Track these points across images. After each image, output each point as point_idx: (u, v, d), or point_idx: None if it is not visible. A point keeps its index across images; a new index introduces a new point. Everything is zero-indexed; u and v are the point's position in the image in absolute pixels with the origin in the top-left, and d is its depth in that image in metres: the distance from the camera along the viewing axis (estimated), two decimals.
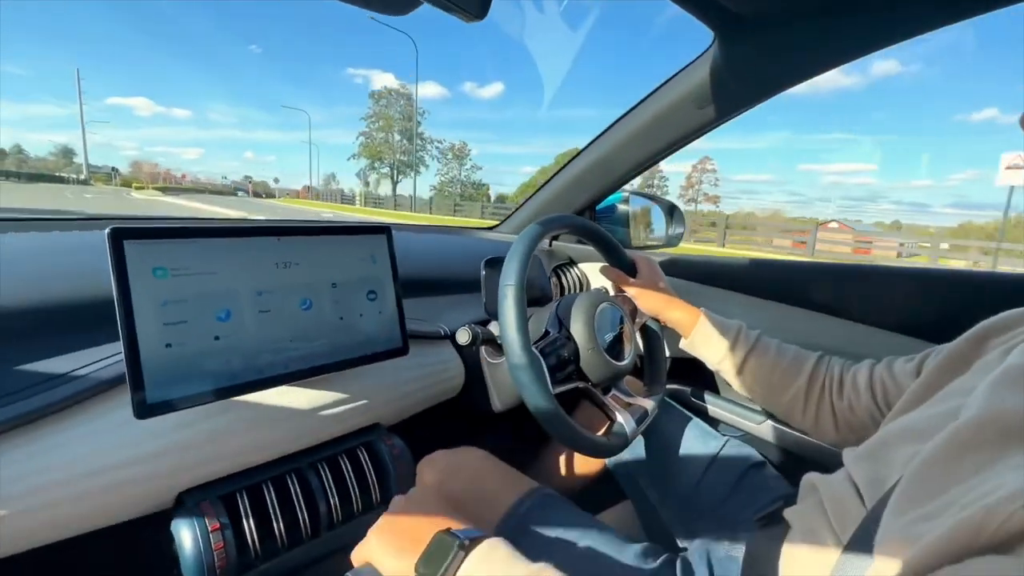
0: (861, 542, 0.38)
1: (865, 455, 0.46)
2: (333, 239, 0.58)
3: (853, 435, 0.59)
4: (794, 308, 0.84)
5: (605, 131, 0.94)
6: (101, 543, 0.47)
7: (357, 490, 0.58)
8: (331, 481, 0.56)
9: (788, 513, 0.50)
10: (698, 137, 0.85)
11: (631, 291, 0.74)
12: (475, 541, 0.37)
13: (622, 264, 0.76)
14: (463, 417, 0.81)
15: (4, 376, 0.43)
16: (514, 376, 0.54)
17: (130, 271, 0.43)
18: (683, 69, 0.78)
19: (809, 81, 0.72)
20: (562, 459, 0.86)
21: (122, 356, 0.42)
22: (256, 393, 0.51)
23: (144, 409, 0.43)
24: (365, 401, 0.63)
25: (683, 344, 0.72)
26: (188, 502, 0.48)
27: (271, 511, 0.51)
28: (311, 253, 0.56)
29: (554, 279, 1.02)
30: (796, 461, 0.77)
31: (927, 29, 0.61)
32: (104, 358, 0.47)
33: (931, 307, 0.71)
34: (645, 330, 0.77)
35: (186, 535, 0.45)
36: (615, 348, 0.66)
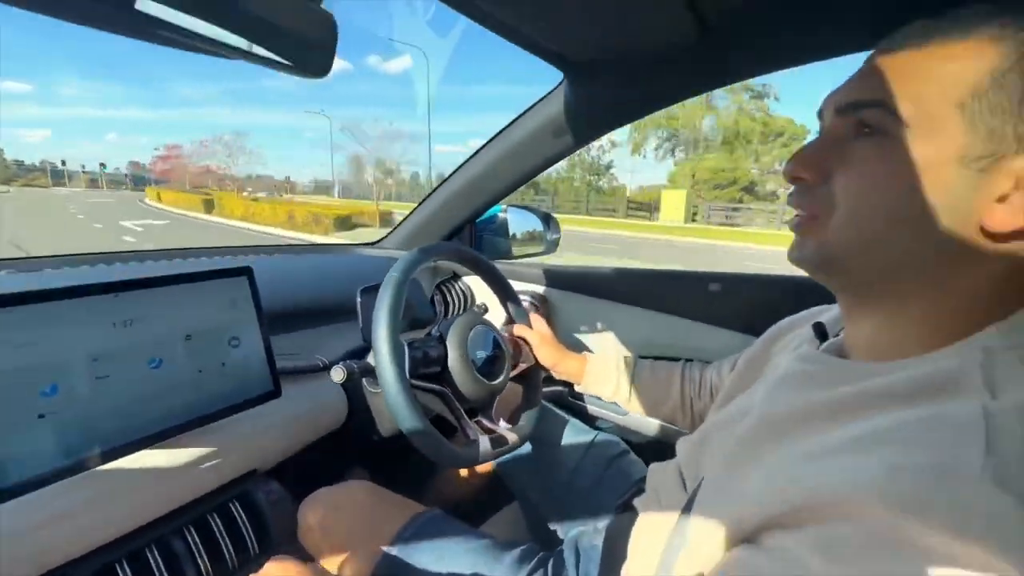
0: (680, 526, 0.45)
1: (690, 446, 0.55)
2: (184, 288, 0.55)
3: None
4: (655, 312, 0.95)
5: (479, 151, 0.98)
6: None
7: (231, 546, 0.56)
8: (199, 543, 0.53)
9: (637, 501, 0.59)
10: (560, 160, 0.92)
11: (533, 340, 0.79)
12: None
13: (516, 304, 0.82)
14: (349, 448, 0.81)
15: None
16: (376, 361, 0.56)
17: None
18: (541, 100, 0.84)
19: None
20: (451, 476, 0.90)
21: None
22: (106, 465, 0.47)
23: None
24: (238, 450, 0.60)
25: (578, 388, 0.80)
26: None
27: None
28: (158, 306, 0.52)
29: (438, 295, 1.04)
30: (657, 447, 0.88)
31: (752, 75, 0.71)
32: None
33: (762, 308, 0.85)
34: (527, 375, 0.80)
35: None
36: (487, 368, 0.70)
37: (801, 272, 0.40)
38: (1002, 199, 0.29)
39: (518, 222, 1.25)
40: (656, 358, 0.85)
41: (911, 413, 0.29)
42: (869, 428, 0.30)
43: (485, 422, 0.67)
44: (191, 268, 0.59)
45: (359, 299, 0.74)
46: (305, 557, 0.57)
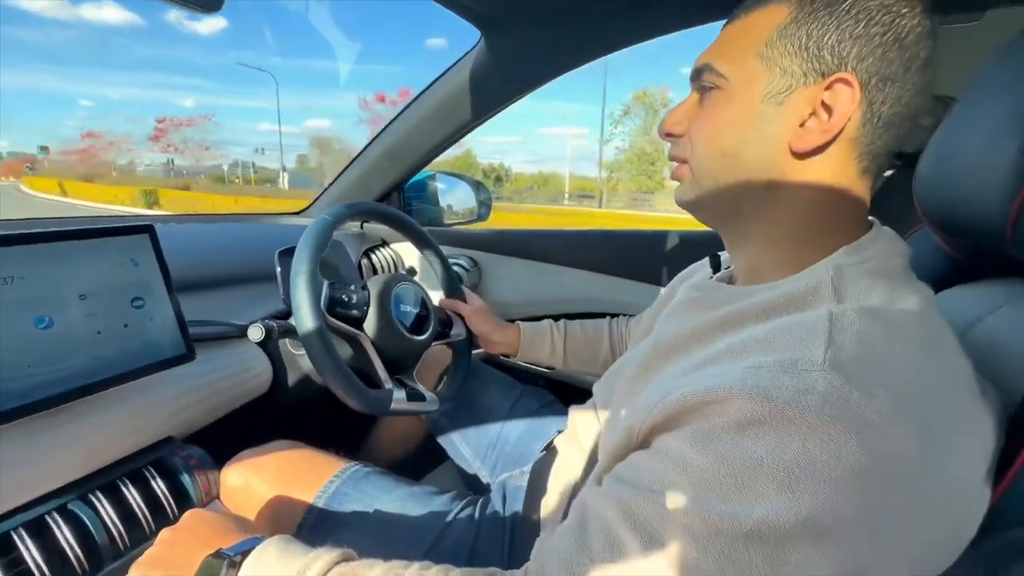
0: (594, 454, 0.50)
1: (602, 384, 0.60)
2: (73, 245, 0.51)
3: None
4: (584, 271, 1.00)
5: (398, 116, 0.97)
6: None
7: (147, 512, 0.54)
8: (110, 509, 0.51)
9: (557, 440, 0.63)
10: (480, 123, 0.93)
11: (466, 311, 0.80)
12: (247, 553, 0.37)
13: (448, 270, 0.82)
14: (278, 413, 0.79)
15: None
16: (291, 300, 0.56)
17: None
18: (460, 60, 0.84)
19: None
20: (384, 434, 0.91)
21: None
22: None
23: None
24: (150, 416, 0.58)
25: (516, 358, 0.81)
26: None
27: (29, 561, 0.45)
28: (43, 263, 0.48)
29: (365, 261, 1.03)
30: (576, 394, 0.93)
31: (663, 32, 0.75)
32: None
33: (678, 261, 0.92)
34: (454, 346, 0.81)
35: None
36: (411, 325, 0.71)
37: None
38: (802, 125, 0.36)
39: (448, 189, 1.25)
40: (586, 315, 0.90)
41: (775, 323, 0.33)
42: (739, 339, 0.34)
43: (404, 379, 0.68)
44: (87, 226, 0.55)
45: (278, 260, 0.72)
46: None
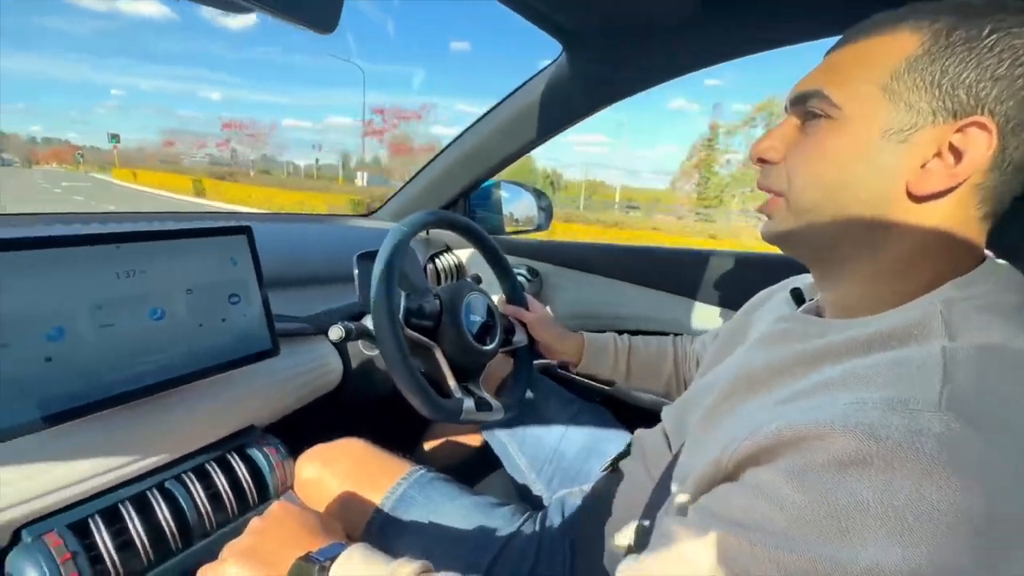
0: (666, 480, 0.48)
1: (675, 410, 0.58)
2: (185, 243, 0.55)
3: None
4: (645, 288, 0.98)
5: (473, 124, 0.99)
6: None
7: (231, 496, 0.57)
8: (200, 491, 0.55)
9: (622, 463, 0.62)
10: (553, 136, 0.93)
11: (530, 320, 0.79)
12: (334, 558, 0.38)
13: (512, 279, 0.82)
14: (346, 409, 0.83)
15: None
16: (372, 308, 0.58)
17: None
18: (540, 72, 0.85)
19: None
20: (441, 439, 0.92)
21: None
22: (107, 411, 0.49)
23: None
24: (236, 406, 0.62)
25: (576, 369, 0.79)
26: (27, 536, 0.45)
27: (133, 531, 0.49)
28: (160, 259, 0.53)
29: (430, 266, 1.06)
30: (637, 415, 0.91)
31: (755, 51, 0.73)
32: None
33: (741, 283, 0.88)
34: (519, 352, 0.81)
35: (29, 572, 0.43)
36: (479, 334, 0.72)
37: (774, 250, 0.44)
38: (924, 166, 0.33)
39: (511, 198, 1.26)
40: (645, 333, 0.88)
41: (877, 358, 0.31)
42: (837, 373, 0.32)
43: (471, 387, 0.69)
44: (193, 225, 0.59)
45: (356, 264, 0.75)
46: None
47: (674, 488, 0.42)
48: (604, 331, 1.03)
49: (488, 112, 0.98)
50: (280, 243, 0.98)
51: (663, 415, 0.61)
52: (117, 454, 0.50)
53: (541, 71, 0.85)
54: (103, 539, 0.47)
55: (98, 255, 0.48)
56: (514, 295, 0.83)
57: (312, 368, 0.72)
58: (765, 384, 0.38)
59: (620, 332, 0.98)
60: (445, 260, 1.08)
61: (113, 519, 0.49)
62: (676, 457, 0.48)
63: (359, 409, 0.84)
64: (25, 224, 0.72)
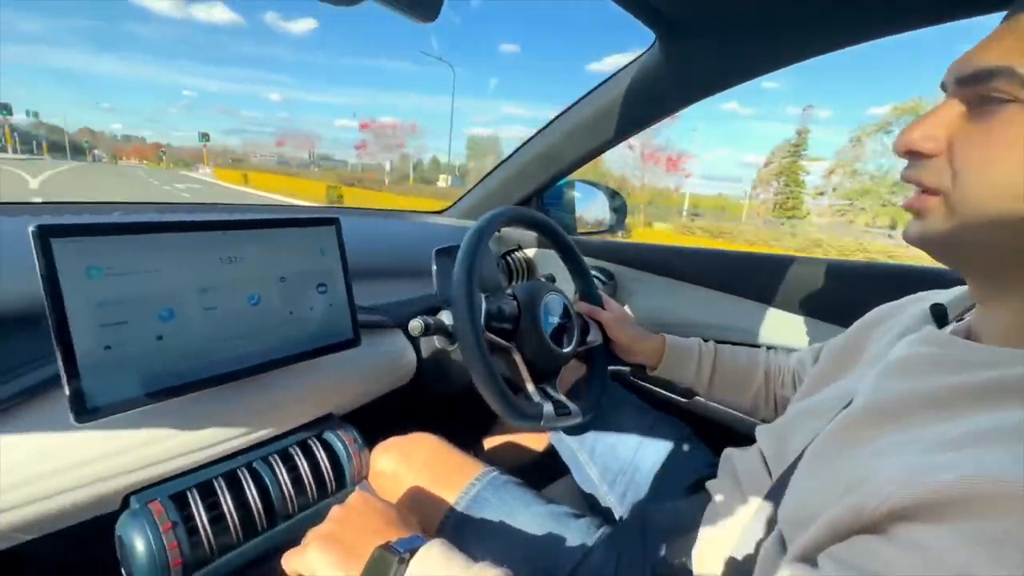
0: (767, 508, 0.44)
1: (773, 432, 0.53)
2: (280, 232, 0.57)
3: None
4: (728, 295, 0.91)
5: (552, 121, 0.96)
6: (42, 550, 0.46)
7: (312, 480, 0.59)
8: (284, 473, 0.57)
9: (709, 484, 0.57)
10: (640, 131, 0.89)
11: (605, 318, 0.76)
12: (414, 551, 0.37)
13: (588, 280, 0.79)
14: (415, 403, 0.83)
15: None
16: (453, 311, 0.57)
17: (61, 272, 0.41)
18: (627, 65, 0.81)
19: None
20: (509, 439, 0.91)
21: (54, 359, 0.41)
22: (205, 391, 0.51)
23: (84, 413, 0.42)
24: (318, 393, 0.64)
25: (654, 373, 0.75)
26: (135, 503, 0.47)
27: (224, 506, 0.51)
28: (258, 247, 0.55)
29: (502, 264, 1.05)
30: (719, 433, 0.85)
31: (876, 37, 0.66)
32: (41, 358, 0.45)
33: (837, 294, 0.80)
34: (594, 353, 0.78)
35: (136, 537, 0.45)
36: (556, 336, 0.69)
37: (888, 260, 0.38)
38: None
39: (584, 198, 1.23)
40: (729, 343, 0.82)
41: None
42: (1015, 418, 0.27)
43: (549, 390, 0.67)
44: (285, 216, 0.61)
45: (435, 259, 0.75)
46: None
47: (785, 525, 0.38)
48: None
49: (567, 109, 0.96)
50: (354, 236, 1.00)
51: (759, 436, 0.56)
52: (212, 432, 0.53)
53: (631, 63, 0.81)
54: (199, 512, 0.49)
55: (205, 241, 0.50)
56: (590, 294, 0.80)
57: (389, 360, 0.73)
58: (904, 419, 0.33)
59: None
60: (516, 258, 1.07)
61: (207, 494, 0.51)
62: (780, 486, 0.43)
63: (428, 404, 0.84)
64: (131, 211, 0.78)
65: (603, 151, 0.96)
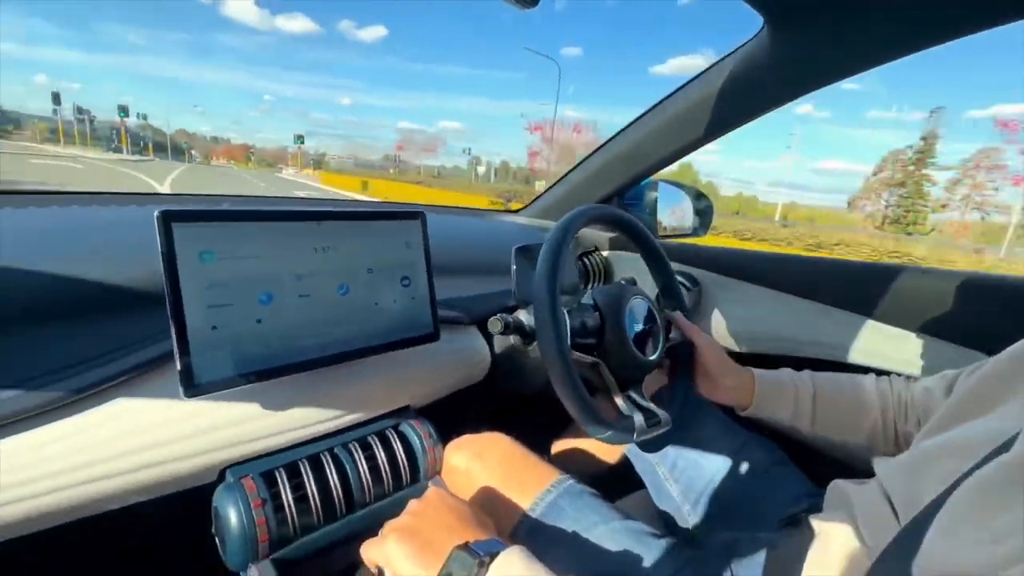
0: (897, 556, 0.38)
1: (901, 469, 0.46)
2: (369, 224, 0.58)
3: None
4: (830, 308, 0.82)
5: (640, 117, 0.92)
6: (143, 516, 0.49)
7: (388, 471, 0.59)
8: (363, 462, 0.58)
9: (816, 520, 0.51)
10: (738, 127, 0.83)
11: (700, 343, 0.66)
12: (494, 556, 0.36)
13: (675, 287, 0.73)
14: (487, 401, 0.82)
15: (57, 350, 0.45)
16: (538, 327, 0.54)
17: (179, 254, 0.43)
18: (729, 55, 0.75)
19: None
20: (582, 446, 0.87)
21: (169, 335, 0.44)
22: (294, 375, 0.53)
23: (192, 388, 0.44)
24: (396, 384, 0.64)
25: (744, 413, 0.66)
26: (230, 477, 0.50)
27: (308, 488, 0.53)
28: (348, 238, 0.56)
29: (579, 266, 1.02)
30: (818, 459, 0.77)
31: (990, 25, 0.58)
32: (151, 336, 0.49)
33: (972, 313, 0.69)
34: (672, 353, 0.71)
35: (231, 510, 0.47)
36: (640, 342, 0.65)
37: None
38: None
39: (666, 199, 1.17)
40: (830, 365, 0.74)
41: None
42: None
43: (636, 398, 0.63)
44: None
45: (514, 258, 0.73)
46: None
47: (929, 569, 0.32)
48: (776, 357, 0.89)
49: (654, 106, 0.91)
50: (432, 232, 1.02)
51: (879, 471, 0.49)
52: (298, 416, 0.54)
53: (727, 56, 0.76)
54: (285, 492, 0.51)
55: (303, 230, 0.52)
56: (676, 301, 0.75)
57: (464, 356, 0.73)
58: None
59: (797, 360, 0.84)
60: (594, 260, 1.03)
61: (293, 474, 0.53)
62: (915, 532, 0.37)
63: (499, 402, 0.83)
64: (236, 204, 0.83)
65: (692, 150, 0.90)
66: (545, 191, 1.17)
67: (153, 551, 0.67)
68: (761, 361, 0.91)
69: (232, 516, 0.47)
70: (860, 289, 0.81)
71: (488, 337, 0.78)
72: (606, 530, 0.53)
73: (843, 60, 0.67)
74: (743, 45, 0.72)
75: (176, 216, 0.43)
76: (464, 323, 0.74)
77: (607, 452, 0.87)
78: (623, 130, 0.97)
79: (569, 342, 0.55)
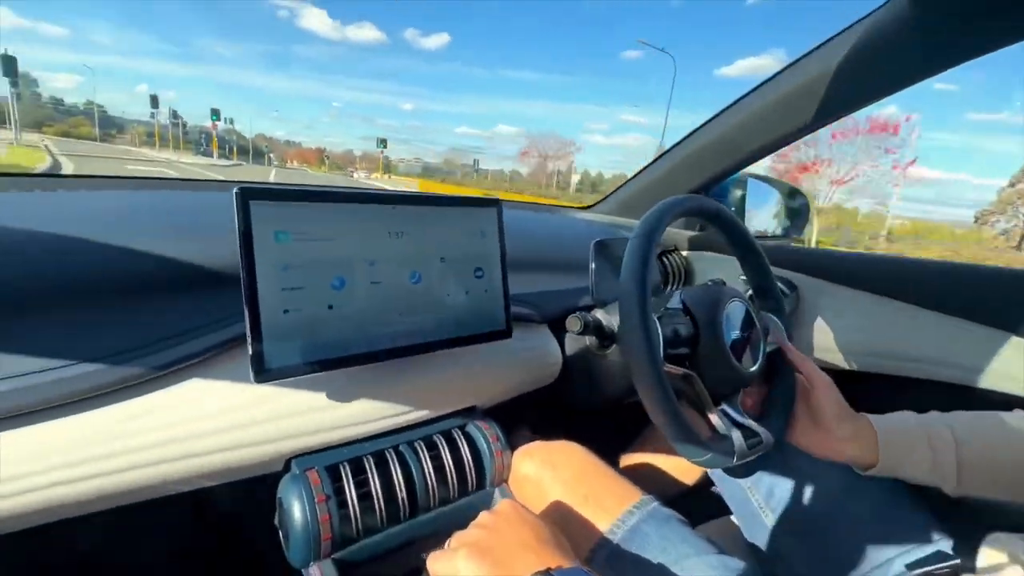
0: None
1: None
2: (444, 211, 0.55)
3: None
4: (946, 316, 0.70)
5: (735, 102, 0.83)
6: (216, 498, 0.48)
7: (454, 473, 0.55)
8: (428, 462, 0.54)
9: None
10: (857, 109, 0.72)
11: (816, 381, 0.54)
12: None
13: (772, 291, 0.64)
14: (555, 407, 0.77)
15: (130, 331, 0.44)
16: (625, 336, 0.47)
17: (255, 233, 0.42)
18: (851, 26, 0.65)
19: None
20: (655, 461, 0.80)
21: (241, 318, 0.42)
22: (362, 366, 0.50)
23: (263, 373, 0.42)
24: (464, 382, 0.61)
25: (869, 473, 0.52)
26: (295, 468, 0.48)
27: (372, 485, 0.50)
28: (422, 224, 0.53)
29: (659, 265, 0.94)
30: (962, 509, 0.65)
31: None
32: (223, 318, 0.47)
33: None
34: (771, 359, 0.60)
35: (295, 503, 0.45)
36: (739, 350, 0.58)
37: None
38: None
39: (756, 196, 1.07)
40: (960, 390, 0.62)
41: None
42: None
43: (732, 413, 0.55)
44: None
45: (593, 255, 0.68)
46: None
47: None
48: (890, 377, 0.77)
49: (751, 92, 0.82)
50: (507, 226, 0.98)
51: None
52: (364, 409, 0.52)
53: (848, 28, 0.66)
54: (349, 488, 0.48)
55: (377, 213, 0.50)
56: (775, 305, 0.66)
57: (536, 357, 0.68)
58: None
59: (917, 381, 0.72)
60: (674, 261, 0.95)
61: (357, 471, 0.50)
62: None
63: (572, 408, 0.77)
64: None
65: (797, 137, 0.80)
66: (618, 187, 1.10)
67: (214, 540, 0.67)
68: (872, 382, 0.79)
69: (296, 510, 0.45)
70: (1002, 300, 0.68)
71: (559, 336, 0.72)
72: (699, 564, 0.46)
73: (999, 27, 0.55)
74: (874, 12, 0.62)
75: (254, 193, 0.42)
76: (535, 321, 0.69)
77: (684, 470, 0.78)
78: (711, 119, 0.88)
79: (662, 353, 0.48)
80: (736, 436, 0.49)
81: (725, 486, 0.68)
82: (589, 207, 1.17)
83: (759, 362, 0.58)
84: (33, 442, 0.37)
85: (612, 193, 1.12)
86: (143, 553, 0.63)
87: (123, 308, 0.45)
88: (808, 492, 0.60)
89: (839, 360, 0.81)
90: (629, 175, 1.11)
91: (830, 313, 0.82)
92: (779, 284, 0.85)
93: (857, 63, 0.65)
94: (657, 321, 0.50)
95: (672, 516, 0.52)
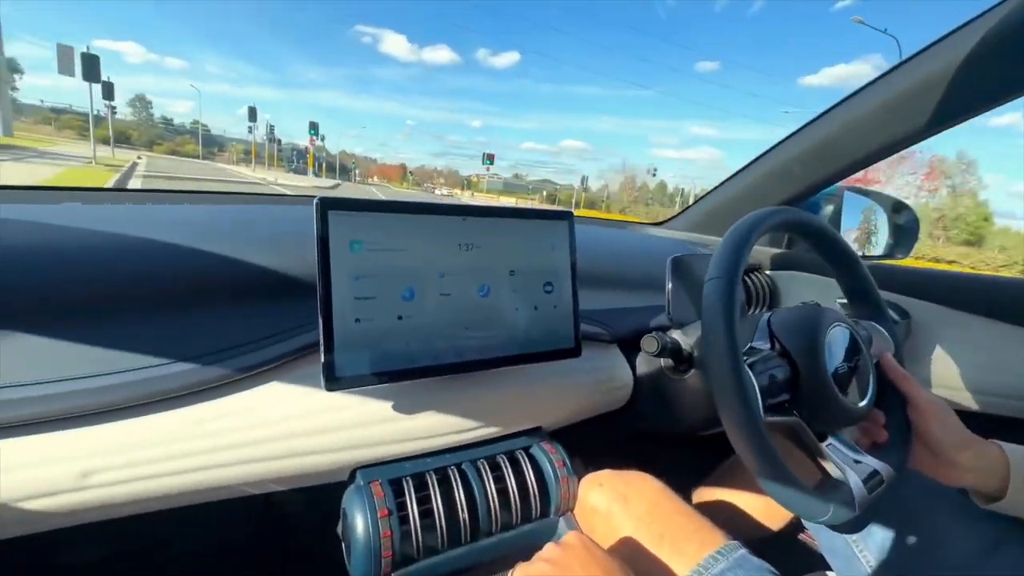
0: None
1: None
2: (515, 223, 0.54)
3: None
4: None
5: (830, 109, 0.76)
6: (282, 504, 0.49)
7: (518, 498, 0.53)
8: (491, 483, 0.52)
9: None
10: (980, 113, 0.63)
11: (926, 409, 0.48)
12: None
13: (878, 308, 0.58)
14: (624, 433, 0.72)
15: (213, 335, 0.46)
16: (717, 393, 0.42)
17: (332, 241, 0.42)
18: (973, 20, 0.58)
19: None
20: (733, 499, 0.72)
21: (313, 325, 0.42)
22: (428, 379, 0.49)
23: (333, 382, 0.42)
24: (529, 401, 0.58)
25: (992, 507, 0.47)
26: (360, 479, 0.48)
27: (434, 504, 0.48)
28: (492, 236, 0.52)
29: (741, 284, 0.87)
30: None
31: None
32: (298, 325, 0.48)
33: None
34: (884, 389, 0.53)
35: (358, 515, 0.45)
36: (845, 384, 0.51)
37: None
38: None
39: (853, 211, 0.97)
40: None
41: None
42: None
43: (844, 450, 0.48)
44: None
45: (670, 273, 0.63)
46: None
47: None
48: (1020, 421, 0.65)
49: (852, 95, 0.75)
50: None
51: None
52: (429, 423, 0.51)
53: (975, 19, 0.58)
54: (411, 504, 0.47)
55: (449, 225, 0.49)
56: (878, 320, 0.58)
57: (605, 378, 0.64)
58: None
59: None
60: (759, 281, 0.88)
61: (420, 487, 0.49)
62: None
63: (642, 435, 0.72)
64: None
65: (907, 145, 0.71)
66: (696, 201, 1.04)
67: (276, 545, 0.68)
68: (996, 424, 0.68)
69: (359, 524, 0.44)
70: None
71: (631, 361, 0.68)
72: None
73: None
74: (994, 7, 0.54)
75: (332, 204, 0.43)
76: (605, 340, 0.65)
77: (769, 512, 0.70)
78: (804, 127, 0.81)
79: (761, 409, 0.43)
80: (853, 479, 0.42)
81: (822, 535, 0.60)
82: (662, 223, 1.12)
83: (869, 395, 0.50)
84: (119, 437, 0.39)
85: (687, 208, 1.06)
86: (207, 551, 0.65)
87: (210, 313, 0.48)
88: (930, 546, 0.51)
89: (967, 399, 0.70)
90: (708, 188, 1.05)
91: (952, 345, 0.71)
92: (889, 311, 0.75)
93: (985, 60, 0.57)
94: (750, 371, 0.45)
95: (764, 568, 0.45)
